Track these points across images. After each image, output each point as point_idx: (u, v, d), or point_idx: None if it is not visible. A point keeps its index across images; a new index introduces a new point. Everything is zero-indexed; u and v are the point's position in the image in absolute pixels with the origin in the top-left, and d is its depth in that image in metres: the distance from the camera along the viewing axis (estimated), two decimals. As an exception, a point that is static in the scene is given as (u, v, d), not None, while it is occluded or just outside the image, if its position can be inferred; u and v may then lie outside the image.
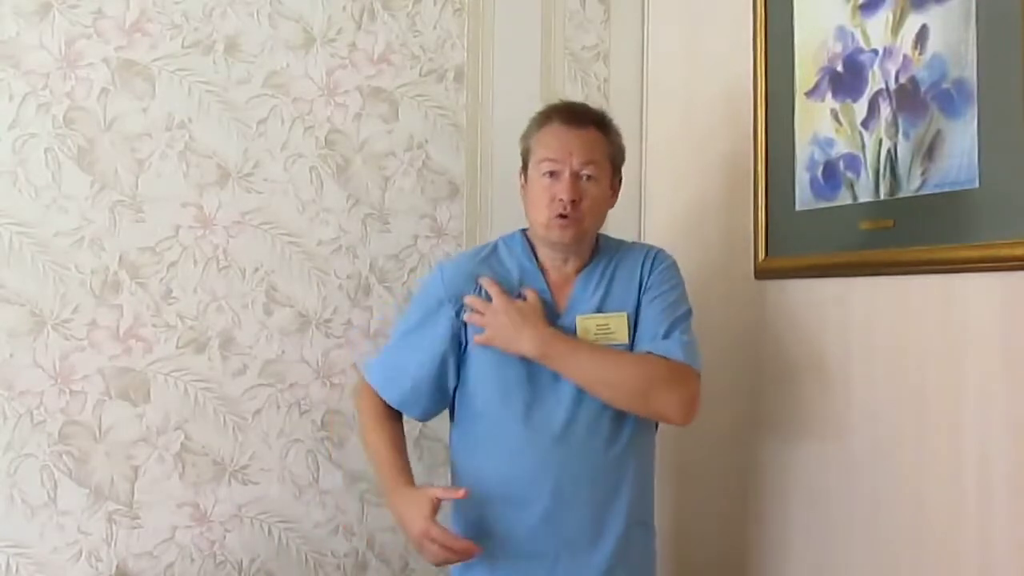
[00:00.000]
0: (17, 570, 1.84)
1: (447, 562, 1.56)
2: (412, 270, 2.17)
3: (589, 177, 1.61)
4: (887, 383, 1.60)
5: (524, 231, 1.72)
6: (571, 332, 1.62)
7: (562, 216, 1.59)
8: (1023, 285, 1.36)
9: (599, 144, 1.63)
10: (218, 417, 1.99)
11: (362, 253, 2.12)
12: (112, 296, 1.91)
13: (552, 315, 1.63)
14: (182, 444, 1.96)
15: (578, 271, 1.68)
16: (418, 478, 2.15)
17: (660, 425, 1.72)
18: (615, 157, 1.67)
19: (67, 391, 1.88)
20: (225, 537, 2.00)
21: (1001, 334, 1.40)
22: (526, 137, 1.68)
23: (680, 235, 2.19)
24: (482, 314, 1.61)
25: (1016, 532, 1.37)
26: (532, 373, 1.60)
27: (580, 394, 1.58)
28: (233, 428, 2.00)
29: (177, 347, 1.96)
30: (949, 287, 1.48)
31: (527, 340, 1.57)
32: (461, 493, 1.56)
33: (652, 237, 2.31)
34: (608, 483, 1.59)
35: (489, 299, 1.62)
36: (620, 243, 1.75)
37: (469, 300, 1.63)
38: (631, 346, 1.62)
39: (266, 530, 2.04)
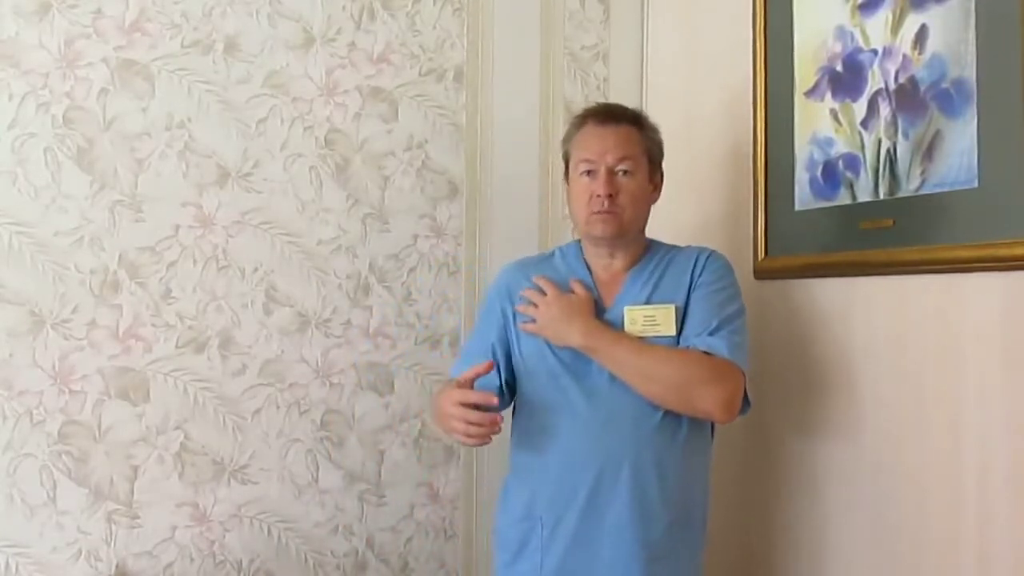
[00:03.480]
0: (17, 570, 1.84)
1: (471, 429, 1.50)
2: (412, 270, 2.17)
3: (625, 172, 1.64)
4: (887, 382, 1.60)
5: (579, 240, 1.77)
6: (618, 325, 1.63)
7: (601, 211, 1.63)
8: (1023, 285, 1.36)
9: (633, 139, 1.67)
10: (218, 417, 1.99)
11: (362, 253, 2.12)
12: (111, 296, 1.91)
13: (599, 311, 1.65)
14: (181, 444, 1.96)
15: (627, 269, 1.69)
16: (418, 477, 2.17)
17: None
18: (652, 152, 1.70)
19: (66, 391, 1.88)
20: (224, 537, 2.00)
21: (1001, 334, 1.40)
22: (565, 141, 1.74)
23: (679, 235, 2.18)
24: (535, 305, 1.65)
25: (1016, 532, 1.37)
26: (576, 364, 1.61)
27: (624, 385, 1.57)
28: (233, 428, 2.00)
29: (176, 347, 1.96)
30: (949, 287, 1.48)
31: (576, 331, 1.59)
32: (486, 365, 1.56)
33: (651, 237, 2.30)
34: (653, 475, 1.58)
35: (543, 293, 1.66)
36: (672, 246, 1.77)
37: (525, 292, 1.68)
38: (678, 339, 1.61)
39: (266, 530, 2.04)
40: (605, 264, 1.70)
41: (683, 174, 2.20)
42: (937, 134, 1.50)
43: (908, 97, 1.56)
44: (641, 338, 1.60)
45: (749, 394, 1.58)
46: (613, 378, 1.58)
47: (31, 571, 1.85)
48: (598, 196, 1.62)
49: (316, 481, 2.08)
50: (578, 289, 1.66)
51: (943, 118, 1.49)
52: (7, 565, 1.83)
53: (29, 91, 1.86)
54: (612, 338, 1.59)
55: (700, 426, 1.64)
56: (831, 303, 1.73)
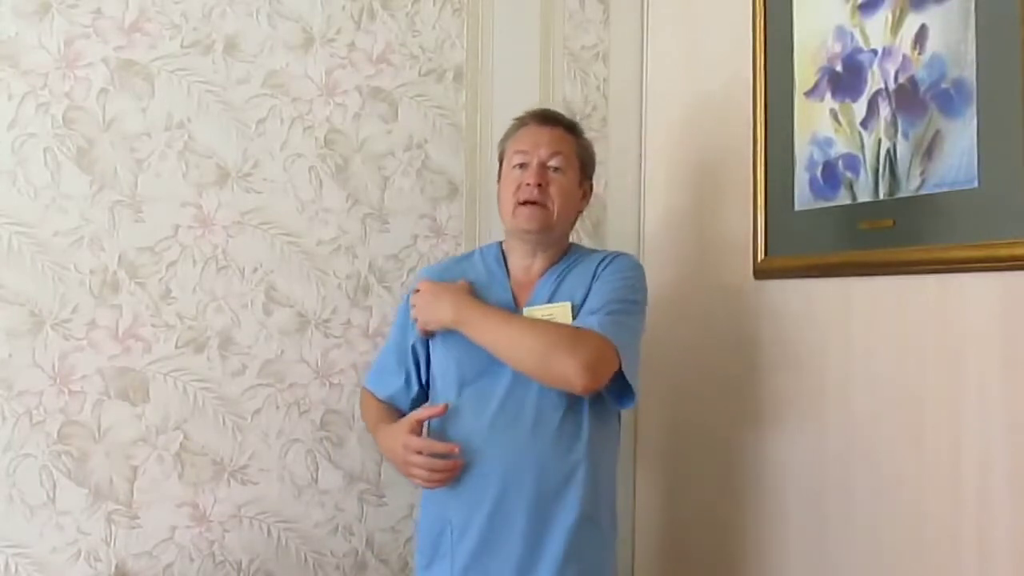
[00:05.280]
0: (16, 570, 1.84)
1: (434, 476, 1.59)
2: (411, 270, 2.16)
3: (556, 168, 1.69)
4: (887, 383, 1.60)
5: (500, 242, 1.79)
6: None
7: (529, 202, 1.65)
8: (1022, 285, 1.36)
9: (567, 141, 1.72)
10: (217, 417, 1.99)
11: (361, 253, 2.12)
12: (111, 296, 1.91)
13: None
14: (181, 444, 1.96)
15: (542, 274, 1.72)
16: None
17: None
18: (584, 158, 1.75)
19: (66, 391, 1.88)
20: (224, 537, 2.00)
21: (1001, 334, 1.40)
22: (502, 142, 1.78)
23: (679, 235, 2.19)
24: (415, 305, 1.71)
25: (1016, 532, 1.37)
26: (479, 371, 1.63)
27: (527, 386, 1.60)
28: (232, 428, 2.00)
29: (176, 347, 1.96)
30: (948, 287, 1.48)
31: (445, 307, 1.65)
32: (440, 408, 1.62)
33: (651, 237, 2.31)
34: (557, 475, 1.61)
35: None
36: (591, 250, 1.81)
37: (413, 298, 1.73)
38: None
39: (265, 530, 2.03)
40: (525, 266, 1.72)
41: (682, 174, 2.21)
42: (937, 134, 1.50)
43: (908, 97, 1.56)
44: None
45: (633, 383, 1.58)
46: (515, 383, 1.60)
47: (31, 571, 1.85)
48: (527, 184, 1.66)
49: (316, 481, 2.08)
50: (460, 281, 1.70)
51: (943, 118, 1.49)
52: (7, 565, 1.83)
53: (29, 91, 1.86)
54: (480, 312, 1.63)
55: (604, 423, 1.66)
56: (831, 303, 1.73)
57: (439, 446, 1.60)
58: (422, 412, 1.64)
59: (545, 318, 1.63)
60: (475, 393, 1.64)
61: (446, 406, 1.62)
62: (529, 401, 1.61)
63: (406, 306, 1.78)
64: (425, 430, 1.69)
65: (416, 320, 1.71)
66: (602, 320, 1.57)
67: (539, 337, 1.56)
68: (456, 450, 1.59)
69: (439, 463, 1.59)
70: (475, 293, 1.68)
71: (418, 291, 1.72)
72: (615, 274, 1.67)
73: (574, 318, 1.62)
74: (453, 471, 1.60)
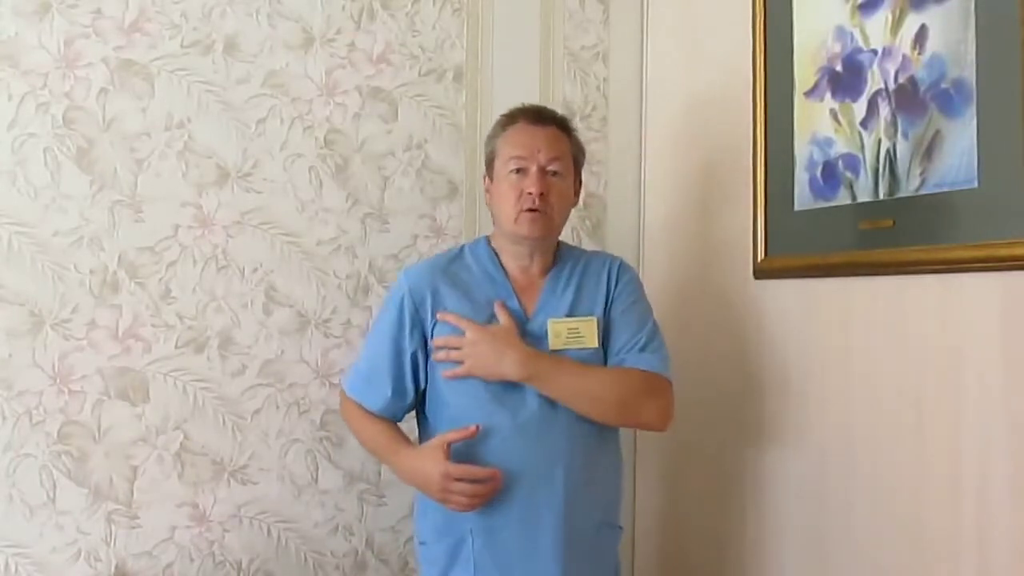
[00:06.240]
0: (16, 570, 1.84)
1: (475, 501, 1.55)
2: (411, 270, 2.16)
3: (555, 173, 1.66)
4: (886, 383, 1.60)
5: (488, 238, 1.76)
6: (541, 335, 1.64)
7: (531, 210, 1.62)
8: (1022, 285, 1.36)
9: (563, 142, 1.69)
10: (217, 417, 1.99)
11: (361, 253, 2.12)
12: (111, 296, 1.91)
13: (521, 319, 1.66)
14: (181, 444, 1.96)
15: (542, 274, 1.71)
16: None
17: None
18: (577, 156, 1.73)
19: (66, 391, 1.88)
20: (224, 537, 2.00)
21: (1001, 334, 1.39)
22: (491, 139, 1.74)
23: (679, 234, 2.19)
24: (457, 348, 1.60)
25: (1016, 532, 1.37)
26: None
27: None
28: (232, 428, 2.00)
29: (176, 347, 1.96)
30: (948, 287, 1.48)
31: (509, 364, 1.58)
32: (472, 430, 1.57)
33: (651, 237, 2.31)
34: (582, 478, 1.61)
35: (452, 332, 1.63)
36: (581, 250, 1.81)
37: (439, 340, 1.63)
38: (599, 350, 1.65)
39: (265, 530, 2.03)
40: (523, 267, 1.70)
41: (682, 174, 2.21)
42: (937, 134, 1.50)
43: (908, 97, 1.56)
44: (563, 350, 1.63)
45: None
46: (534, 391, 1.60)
47: (30, 571, 1.85)
48: (529, 193, 1.62)
49: (316, 481, 2.08)
50: (501, 315, 1.62)
51: (943, 118, 1.49)
52: (7, 565, 1.83)
53: (29, 91, 1.86)
54: (550, 364, 1.59)
55: (612, 428, 1.69)
56: (831, 303, 1.73)
57: (480, 472, 1.55)
58: (452, 435, 1.58)
59: (571, 332, 1.64)
60: (506, 400, 1.60)
61: (477, 428, 1.57)
62: (560, 407, 1.60)
63: (399, 307, 1.67)
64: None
65: (452, 363, 1.61)
66: (660, 359, 1.65)
67: (618, 388, 1.61)
68: (498, 474, 1.55)
69: (480, 488, 1.55)
70: (518, 330, 1.61)
71: (451, 339, 1.62)
72: (634, 295, 1.71)
73: (599, 332, 1.65)
74: (493, 493, 1.56)
